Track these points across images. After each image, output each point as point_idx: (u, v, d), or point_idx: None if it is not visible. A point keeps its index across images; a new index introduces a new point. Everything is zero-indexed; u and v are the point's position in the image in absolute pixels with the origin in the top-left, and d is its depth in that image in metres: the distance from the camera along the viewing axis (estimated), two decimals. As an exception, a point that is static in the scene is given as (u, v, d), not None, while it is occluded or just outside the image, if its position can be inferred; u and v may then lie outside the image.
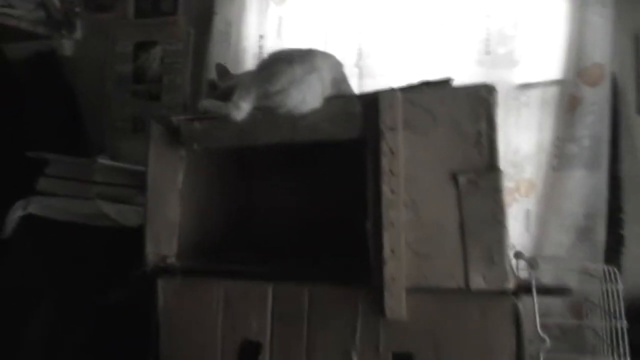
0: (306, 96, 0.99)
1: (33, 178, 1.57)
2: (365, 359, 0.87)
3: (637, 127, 1.33)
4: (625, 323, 1.02)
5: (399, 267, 0.90)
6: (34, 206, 1.51)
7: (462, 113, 0.88)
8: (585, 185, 1.39)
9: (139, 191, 1.18)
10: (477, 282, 0.82)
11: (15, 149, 1.65)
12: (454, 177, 0.87)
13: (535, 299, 0.86)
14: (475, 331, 0.81)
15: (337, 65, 1.10)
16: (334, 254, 1.09)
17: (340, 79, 1.09)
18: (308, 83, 0.99)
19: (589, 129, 1.38)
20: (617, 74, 1.33)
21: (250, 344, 0.94)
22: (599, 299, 1.08)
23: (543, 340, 0.86)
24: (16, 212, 1.52)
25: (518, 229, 1.51)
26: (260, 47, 1.77)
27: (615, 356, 1.01)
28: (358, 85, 1.63)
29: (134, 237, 1.15)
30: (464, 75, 1.53)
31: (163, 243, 1.12)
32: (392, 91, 0.97)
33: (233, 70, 1.74)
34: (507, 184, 1.23)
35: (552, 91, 1.49)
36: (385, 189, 0.92)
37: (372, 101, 0.93)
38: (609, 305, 1.04)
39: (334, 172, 1.23)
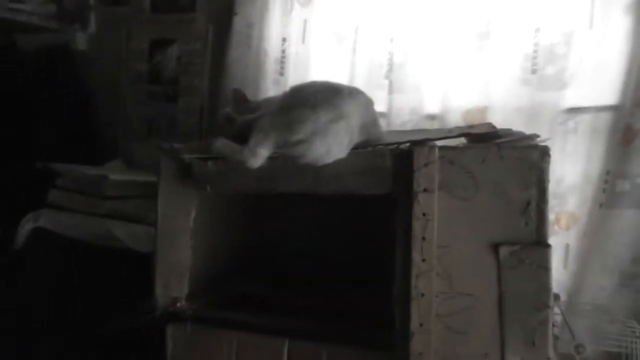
0: (331, 147, 0.92)
1: (44, 187, 1.56)
2: None
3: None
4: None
5: (427, 342, 0.88)
6: (45, 220, 1.50)
7: (508, 177, 0.85)
8: (635, 227, 1.29)
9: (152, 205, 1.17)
10: (515, 364, 0.77)
11: (26, 151, 1.63)
12: (495, 249, 0.84)
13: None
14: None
15: (367, 107, 1.02)
16: (354, 298, 1.08)
17: (370, 123, 1.01)
18: (334, 133, 0.92)
19: (645, 167, 1.27)
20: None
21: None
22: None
23: None
24: (27, 225, 1.51)
25: (555, 264, 1.42)
26: (283, 52, 1.70)
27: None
28: (387, 101, 1.54)
29: (144, 262, 1.12)
30: (506, 95, 1.42)
31: (173, 285, 1.10)
32: (428, 147, 0.91)
33: (253, 78, 1.71)
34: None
35: (605, 118, 1.37)
36: (416, 256, 0.89)
37: (404, 156, 0.91)
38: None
39: (356, 206, 1.17)
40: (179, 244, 1.09)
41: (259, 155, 0.93)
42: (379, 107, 1.52)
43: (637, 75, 1.33)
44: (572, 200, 1.43)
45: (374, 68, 1.58)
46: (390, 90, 1.54)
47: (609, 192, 1.34)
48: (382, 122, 1.47)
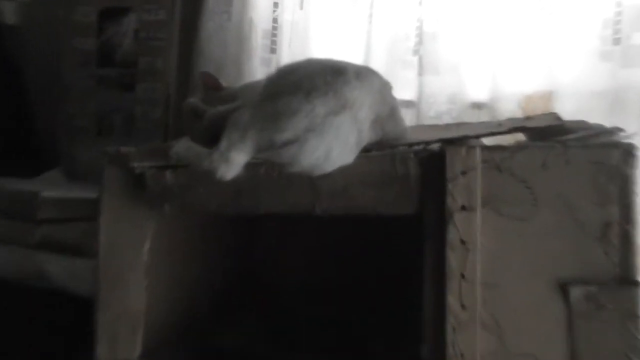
0: (332, 150, 0.90)
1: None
2: None
3: None
4: None
5: None
6: (-43, 253, 1.49)
7: (579, 189, 0.82)
8: None
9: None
10: None
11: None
12: (563, 289, 0.83)
13: None
14: None
15: (381, 93, 1.00)
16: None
17: (386, 115, 0.99)
18: (335, 129, 0.90)
19: None
20: None
21: None
22: None
23: None
24: None
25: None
26: (275, 21, 1.70)
27: None
28: (416, 84, 1.52)
29: (86, 308, 1.10)
30: (578, 75, 1.39)
31: (121, 341, 1.08)
32: (467, 148, 0.89)
33: (235, 58, 1.70)
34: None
35: None
36: (452, 301, 0.87)
37: (435, 161, 0.90)
38: None
39: (369, 227, 1.21)
40: (128, 283, 1.07)
41: (233, 161, 0.91)
42: (406, 92, 1.50)
43: None
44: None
45: (398, 41, 1.57)
46: (420, 71, 1.52)
47: None
48: (410, 114, 1.45)
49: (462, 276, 0.84)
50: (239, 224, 1.21)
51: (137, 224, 1.07)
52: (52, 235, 1.49)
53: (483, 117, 1.48)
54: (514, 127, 0.98)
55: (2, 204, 1.53)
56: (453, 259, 0.84)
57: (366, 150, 0.96)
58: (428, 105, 1.51)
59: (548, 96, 1.45)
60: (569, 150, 0.83)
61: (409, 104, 1.51)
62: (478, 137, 0.94)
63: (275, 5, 1.70)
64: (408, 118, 1.35)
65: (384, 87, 1.03)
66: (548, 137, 0.92)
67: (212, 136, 1.00)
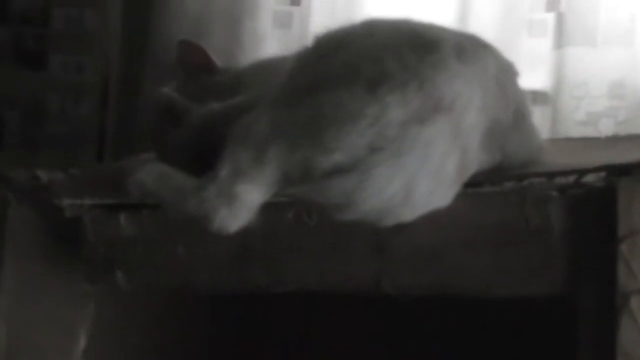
0: (415, 183, 0.93)
1: None
2: None
3: None
4: None
5: None
6: None
7: None
8: None
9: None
10: None
11: None
12: None
13: None
14: None
15: (500, 83, 1.04)
16: None
17: (508, 122, 1.04)
18: (421, 147, 0.94)
19: None
20: None
21: None
22: None
23: None
24: None
25: None
26: None
27: None
28: (551, 64, 1.56)
29: None
30: None
31: None
32: None
33: (225, 16, 1.75)
34: None
35: None
36: None
37: (596, 205, 0.94)
38: None
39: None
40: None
41: (242, 201, 0.94)
42: (534, 78, 1.53)
43: None
44: None
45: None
46: (560, 39, 1.56)
47: None
48: (541, 114, 1.48)
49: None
50: (245, 301, 1.25)
51: (66, 308, 1.13)
52: None
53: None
54: None
55: None
56: (629, 374, 0.88)
57: (474, 184, 0.99)
58: (573, 101, 1.54)
59: None
60: None
61: (538, 97, 1.53)
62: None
63: None
64: (537, 121, 1.37)
65: (505, 73, 1.07)
66: None
67: (200, 153, 1.06)
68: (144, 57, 1.78)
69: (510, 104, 1.04)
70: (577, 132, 1.49)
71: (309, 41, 1.13)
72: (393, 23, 1.08)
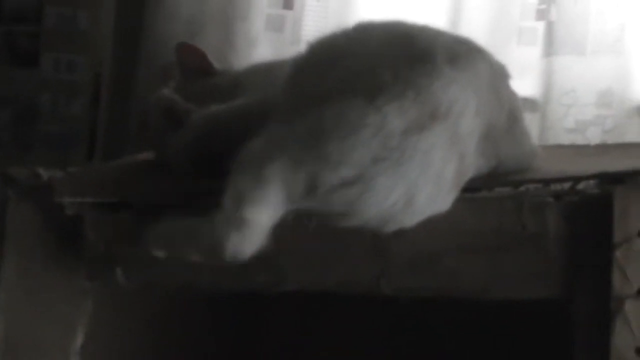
0: (416, 190, 0.94)
1: None
2: None
3: None
4: None
5: None
6: None
7: None
8: None
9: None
10: None
11: None
12: None
13: None
14: None
15: (493, 87, 1.05)
16: None
17: (502, 126, 1.05)
18: (421, 155, 0.94)
19: None
20: None
21: None
22: None
23: None
24: None
25: None
26: None
27: None
28: (542, 71, 1.58)
29: None
30: None
31: None
32: None
33: (220, 16, 1.75)
34: None
35: None
36: None
37: (592, 211, 0.95)
38: None
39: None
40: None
41: (252, 224, 0.93)
42: (524, 85, 1.54)
43: None
44: None
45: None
46: (549, 47, 1.58)
47: None
48: (531, 122, 1.49)
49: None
50: (244, 301, 1.26)
51: (65, 305, 1.12)
52: None
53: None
54: None
55: None
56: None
57: (470, 189, 1.00)
58: (562, 109, 1.55)
59: None
60: None
61: (527, 104, 1.53)
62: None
63: None
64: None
65: (498, 77, 1.08)
66: None
67: (200, 154, 1.08)
68: (137, 57, 1.78)
69: (504, 107, 1.05)
70: (565, 139, 1.50)
71: (302, 47, 1.14)
72: (386, 28, 1.09)
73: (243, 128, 1.04)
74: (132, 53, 1.80)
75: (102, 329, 1.12)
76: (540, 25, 1.58)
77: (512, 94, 1.09)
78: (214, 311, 1.31)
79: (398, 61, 0.99)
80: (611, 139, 1.49)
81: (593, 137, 1.51)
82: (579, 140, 1.51)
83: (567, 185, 1.00)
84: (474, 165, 1.00)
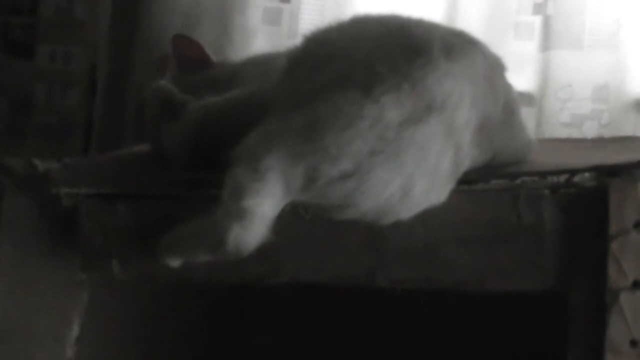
0: (413, 182, 0.94)
1: None
2: None
3: None
4: None
5: None
6: None
7: None
8: None
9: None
10: None
11: None
12: None
13: None
14: None
15: (489, 79, 1.05)
16: None
17: (497, 118, 1.05)
18: (417, 147, 0.94)
19: None
20: None
21: None
22: None
23: None
24: None
25: None
26: None
27: None
28: (539, 66, 1.59)
29: None
30: None
31: None
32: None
33: (216, 8, 1.75)
34: None
35: None
36: None
37: (587, 204, 0.96)
38: None
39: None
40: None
41: (253, 215, 0.92)
42: (520, 79, 1.54)
43: None
44: None
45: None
46: (546, 42, 1.58)
47: None
48: (527, 116, 1.49)
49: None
50: (239, 292, 1.25)
51: (60, 295, 1.12)
52: None
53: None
54: None
55: None
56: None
57: (467, 181, 1.00)
58: (558, 103, 1.56)
59: None
60: None
61: (523, 98, 1.53)
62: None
63: None
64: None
65: (493, 69, 1.08)
66: None
67: (197, 145, 1.08)
68: (133, 48, 1.78)
69: (500, 100, 1.06)
70: (561, 133, 1.50)
71: (298, 40, 1.14)
72: (382, 21, 1.09)
73: (239, 119, 1.05)
74: (129, 44, 1.80)
75: (97, 320, 1.13)
76: (537, 20, 1.59)
77: (508, 86, 1.10)
78: (208, 303, 1.30)
79: (394, 53, 0.99)
80: (607, 133, 1.49)
81: (589, 131, 1.52)
82: (575, 134, 1.52)
83: (563, 178, 0.99)
84: (469, 157, 1.00)
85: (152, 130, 1.20)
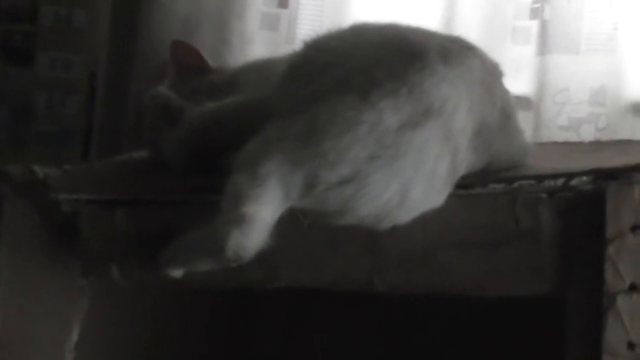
0: (411, 186, 0.94)
1: None
2: None
3: None
4: None
5: None
6: None
7: None
8: None
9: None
10: None
11: None
12: None
13: None
14: None
15: (486, 85, 1.06)
16: None
17: (495, 123, 1.05)
18: (415, 152, 0.94)
19: None
20: None
21: None
22: None
23: None
24: None
25: None
26: None
27: None
28: (534, 71, 1.59)
29: None
30: None
31: None
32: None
33: (214, 15, 1.75)
34: None
35: None
36: None
37: (584, 207, 0.96)
38: None
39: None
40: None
41: (252, 221, 0.92)
42: (517, 83, 1.54)
43: None
44: None
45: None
46: (543, 46, 1.58)
47: None
48: (524, 120, 1.49)
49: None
50: (238, 297, 1.26)
51: (60, 301, 1.12)
52: None
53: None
54: None
55: None
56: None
57: (464, 185, 1.00)
58: (555, 107, 1.56)
59: None
60: None
61: (521, 102, 1.54)
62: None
63: None
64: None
65: (490, 74, 1.09)
66: None
67: (195, 151, 1.08)
68: (132, 55, 1.78)
69: (497, 105, 1.06)
70: (559, 137, 1.50)
71: (297, 46, 1.15)
72: (380, 29, 1.10)
73: (238, 125, 1.06)
74: (128, 52, 1.80)
75: (96, 325, 1.12)
76: (534, 24, 1.59)
77: (505, 92, 1.10)
78: (208, 307, 1.30)
79: (392, 59, 1.00)
80: (604, 137, 1.49)
81: (586, 134, 1.52)
82: (572, 138, 1.52)
83: (560, 182, 1.00)
84: (466, 161, 1.00)
85: (150, 136, 1.20)
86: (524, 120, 1.50)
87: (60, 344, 1.12)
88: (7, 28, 1.94)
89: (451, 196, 0.99)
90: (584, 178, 0.99)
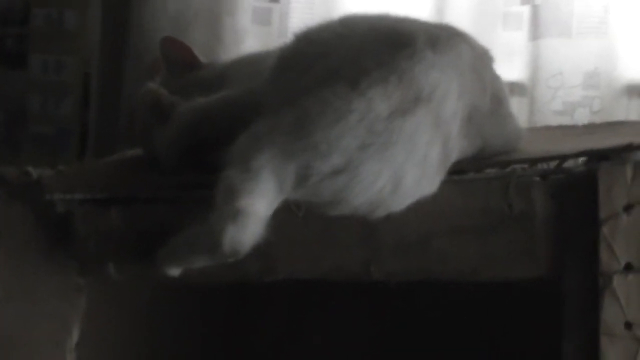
0: (404, 174, 0.95)
1: None
2: None
3: None
4: None
5: None
6: None
7: None
8: None
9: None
10: None
11: None
12: None
13: None
14: None
15: (476, 70, 1.06)
16: None
17: (485, 108, 1.06)
18: (406, 139, 0.95)
19: None
20: None
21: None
22: None
23: None
24: None
25: None
26: None
27: None
28: (528, 56, 1.59)
29: None
30: None
31: None
32: (633, 165, 0.94)
33: (206, 11, 1.75)
34: None
35: None
36: None
37: (577, 189, 0.96)
38: None
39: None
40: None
41: (247, 214, 0.92)
42: (510, 69, 1.54)
43: None
44: None
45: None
46: (535, 31, 1.59)
47: None
48: (519, 105, 1.49)
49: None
50: (236, 291, 1.26)
51: (58, 301, 1.13)
52: None
53: (649, 111, 1.53)
54: None
55: None
56: (612, 353, 0.91)
57: (457, 171, 1.01)
58: (549, 91, 1.56)
59: None
60: None
61: (515, 88, 1.55)
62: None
63: None
64: (515, 112, 1.36)
65: (480, 60, 1.09)
66: None
67: (187, 147, 1.09)
68: (124, 54, 1.79)
69: (487, 90, 1.06)
70: (553, 121, 1.51)
71: (288, 38, 1.15)
72: (370, 20, 1.10)
73: (229, 119, 1.06)
74: (120, 51, 1.81)
75: (95, 323, 1.13)
76: (526, 10, 1.59)
77: (495, 77, 1.10)
78: (205, 302, 1.30)
79: (380, 48, 1.00)
80: (599, 120, 1.50)
81: (581, 118, 1.52)
82: (567, 122, 1.52)
83: (553, 164, 1.00)
84: (458, 147, 1.01)
85: (142, 134, 1.20)
86: (518, 106, 1.51)
87: (60, 344, 1.12)
88: (-1, 31, 1.92)
89: (444, 182, 0.99)
90: (577, 160, 0.99)
